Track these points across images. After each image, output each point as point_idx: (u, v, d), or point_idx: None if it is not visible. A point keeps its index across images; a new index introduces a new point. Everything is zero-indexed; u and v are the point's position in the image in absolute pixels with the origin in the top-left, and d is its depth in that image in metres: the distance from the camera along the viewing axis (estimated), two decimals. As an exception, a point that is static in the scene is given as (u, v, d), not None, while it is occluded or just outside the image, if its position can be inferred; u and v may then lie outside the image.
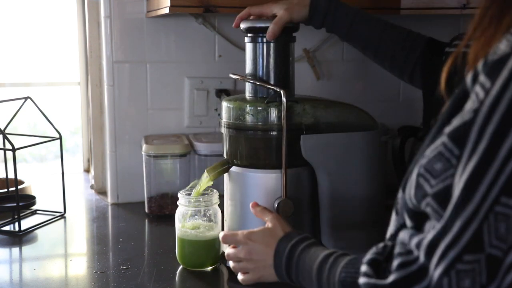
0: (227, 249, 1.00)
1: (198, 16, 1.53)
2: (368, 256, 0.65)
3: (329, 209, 1.08)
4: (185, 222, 1.12)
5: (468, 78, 0.55)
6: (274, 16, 1.08)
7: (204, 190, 1.13)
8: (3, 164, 1.49)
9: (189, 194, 1.13)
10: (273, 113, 1.06)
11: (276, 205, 1.05)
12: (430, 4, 1.35)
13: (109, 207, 1.54)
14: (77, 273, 1.15)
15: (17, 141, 1.36)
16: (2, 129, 1.36)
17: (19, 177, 1.44)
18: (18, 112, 1.44)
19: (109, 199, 1.57)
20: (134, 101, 1.55)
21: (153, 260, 1.18)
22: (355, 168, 1.08)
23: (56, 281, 1.10)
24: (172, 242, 1.19)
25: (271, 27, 1.04)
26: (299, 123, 1.06)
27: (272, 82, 1.09)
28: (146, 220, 1.44)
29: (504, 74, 0.50)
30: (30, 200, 1.44)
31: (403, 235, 0.61)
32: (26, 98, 1.43)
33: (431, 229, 0.55)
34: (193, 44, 1.56)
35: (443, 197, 0.54)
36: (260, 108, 1.06)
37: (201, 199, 1.12)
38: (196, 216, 1.13)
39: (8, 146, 1.31)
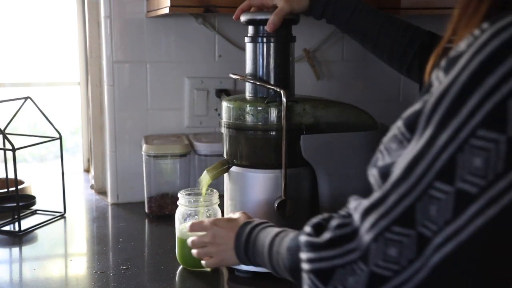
0: (191, 237, 1.01)
1: (198, 16, 1.53)
2: (314, 220, 0.69)
3: (329, 209, 1.08)
4: (185, 222, 1.12)
5: (433, 73, 0.58)
6: (275, 7, 1.08)
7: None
8: (3, 164, 1.49)
9: (189, 194, 1.14)
10: (273, 113, 1.06)
11: (276, 205, 1.05)
12: (430, 4, 1.35)
13: (109, 207, 1.54)
14: (77, 273, 1.15)
15: (17, 141, 1.36)
16: (2, 129, 1.36)
17: (19, 177, 1.44)
18: (18, 112, 1.44)
19: (109, 199, 1.57)
20: (134, 101, 1.55)
21: (153, 260, 1.18)
22: (355, 168, 1.08)
23: (56, 281, 1.10)
24: (172, 242, 1.19)
25: (272, 18, 1.05)
26: (299, 123, 1.06)
27: (272, 82, 1.09)
28: (146, 220, 1.44)
29: (455, 69, 0.53)
30: (30, 200, 1.44)
31: (351, 200, 0.66)
32: (26, 98, 1.43)
33: (370, 196, 0.59)
34: (193, 44, 1.56)
35: (385, 171, 0.58)
36: (260, 108, 1.06)
37: (201, 199, 1.12)
38: (196, 216, 1.13)
39: (8, 146, 1.31)
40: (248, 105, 1.07)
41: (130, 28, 1.51)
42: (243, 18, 1.11)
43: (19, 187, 1.44)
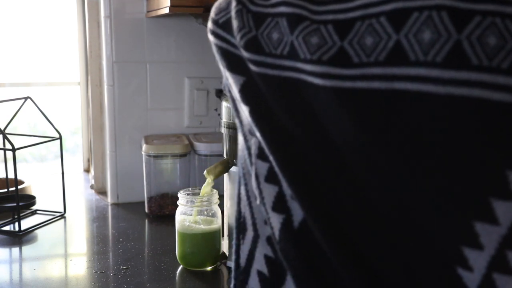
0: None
1: (198, 16, 1.53)
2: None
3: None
4: (186, 215, 1.12)
5: None
6: None
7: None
8: (3, 164, 1.49)
9: (189, 194, 1.14)
10: (273, 113, 1.05)
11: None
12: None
13: (109, 207, 1.54)
14: (77, 273, 1.15)
15: (17, 141, 1.36)
16: (2, 129, 1.36)
17: (19, 177, 1.44)
18: (18, 112, 1.44)
19: (109, 199, 1.57)
20: (134, 101, 1.55)
21: (153, 260, 1.18)
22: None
23: (56, 281, 1.10)
24: (172, 242, 1.19)
25: None
26: (299, 123, 1.06)
27: (272, 82, 1.09)
28: (146, 220, 1.44)
29: None
30: (30, 200, 1.44)
31: None
32: (26, 98, 1.43)
33: None
34: (193, 44, 1.56)
35: None
36: (260, 108, 1.06)
37: (202, 199, 1.12)
38: (196, 217, 1.13)
39: (8, 146, 1.31)
40: (248, 105, 1.07)
41: (130, 28, 1.51)
42: None
43: (19, 187, 1.44)
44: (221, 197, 1.15)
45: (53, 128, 1.43)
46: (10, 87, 1.88)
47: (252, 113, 0.60)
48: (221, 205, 1.15)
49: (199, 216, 1.13)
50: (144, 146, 1.45)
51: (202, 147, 1.48)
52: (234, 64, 0.61)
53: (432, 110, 0.47)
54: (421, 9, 0.48)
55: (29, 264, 1.19)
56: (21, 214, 1.37)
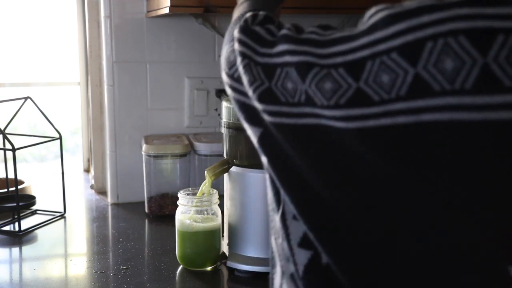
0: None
1: (198, 16, 1.53)
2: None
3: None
4: (187, 213, 1.12)
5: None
6: None
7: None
8: (3, 164, 1.49)
9: (189, 194, 1.14)
10: (273, 113, 1.05)
11: (276, 205, 1.05)
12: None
13: (109, 207, 1.54)
14: (77, 273, 1.15)
15: (17, 141, 1.36)
16: (2, 129, 1.36)
17: (19, 177, 1.44)
18: (18, 112, 1.44)
19: (109, 199, 1.57)
20: (134, 101, 1.55)
21: (153, 260, 1.18)
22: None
23: (56, 281, 1.10)
24: (172, 242, 1.19)
25: None
26: (299, 123, 1.06)
27: (272, 82, 1.09)
28: (146, 220, 1.44)
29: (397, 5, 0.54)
30: (30, 200, 1.44)
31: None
32: (26, 98, 1.43)
33: None
34: (193, 44, 1.56)
35: None
36: (260, 108, 1.06)
37: (201, 199, 1.12)
38: (196, 215, 1.13)
39: (8, 146, 1.31)
40: (248, 105, 1.07)
41: (130, 28, 1.51)
42: None
43: (19, 187, 1.44)
44: (221, 197, 1.15)
45: (53, 128, 1.43)
46: (10, 87, 1.88)
47: (270, 164, 0.59)
48: (221, 205, 1.15)
49: (199, 216, 1.13)
50: (144, 146, 1.45)
51: (202, 147, 1.48)
52: (252, 116, 0.61)
53: (468, 137, 0.45)
54: (434, 38, 0.46)
55: (29, 264, 1.19)
56: (21, 214, 1.37)
